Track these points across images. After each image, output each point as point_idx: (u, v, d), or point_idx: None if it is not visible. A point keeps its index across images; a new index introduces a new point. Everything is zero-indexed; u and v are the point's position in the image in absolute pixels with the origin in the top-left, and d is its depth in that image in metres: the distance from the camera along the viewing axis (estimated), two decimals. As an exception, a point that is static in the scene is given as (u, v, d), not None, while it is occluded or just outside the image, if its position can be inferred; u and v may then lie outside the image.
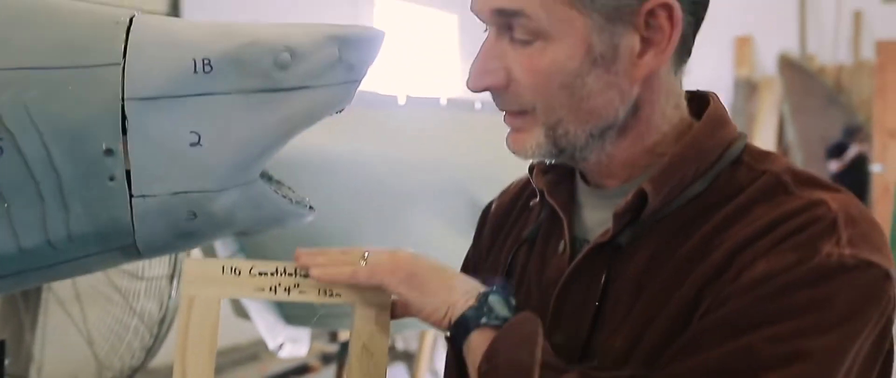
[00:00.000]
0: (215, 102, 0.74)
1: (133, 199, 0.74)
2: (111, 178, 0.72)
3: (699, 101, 0.78)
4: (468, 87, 0.74)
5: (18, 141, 0.70)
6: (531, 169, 0.84)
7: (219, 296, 0.76)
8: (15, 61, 0.70)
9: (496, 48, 0.72)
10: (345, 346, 3.78)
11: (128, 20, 0.74)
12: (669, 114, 0.75)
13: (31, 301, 1.56)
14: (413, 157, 2.42)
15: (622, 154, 0.75)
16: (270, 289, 0.76)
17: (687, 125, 0.76)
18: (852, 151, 6.36)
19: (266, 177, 0.83)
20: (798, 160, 6.55)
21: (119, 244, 0.76)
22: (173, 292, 1.72)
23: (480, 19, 0.74)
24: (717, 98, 0.77)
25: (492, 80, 0.72)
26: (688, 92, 0.78)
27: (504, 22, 0.71)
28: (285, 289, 0.76)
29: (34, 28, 0.72)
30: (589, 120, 0.72)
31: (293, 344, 2.48)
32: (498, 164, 2.59)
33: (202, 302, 0.75)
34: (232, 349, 4.43)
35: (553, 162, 0.80)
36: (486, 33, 0.74)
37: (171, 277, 1.73)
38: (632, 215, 0.72)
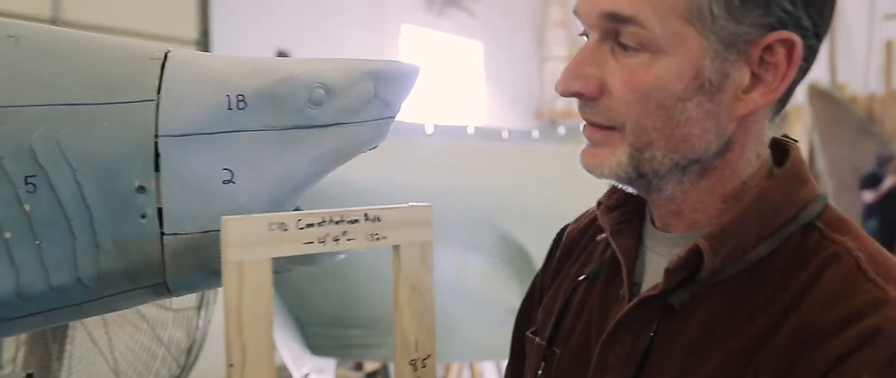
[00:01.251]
0: (249, 139, 0.73)
1: (164, 237, 0.72)
2: (143, 216, 0.71)
3: (778, 150, 0.72)
4: (557, 90, 0.68)
5: (51, 178, 0.69)
6: (599, 203, 0.79)
7: (269, 256, 0.69)
8: (49, 97, 0.69)
9: (596, 56, 0.66)
10: (369, 376, 3.75)
11: (163, 56, 0.73)
12: (754, 162, 0.69)
13: (58, 330, 1.56)
14: (441, 187, 2.40)
15: (697, 195, 0.69)
16: (319, 240, 0.71)
17: (766, 176, 0.70)
18: (888, 182, 6.25)
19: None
20: (828, 189, 6.45)
21: (149, 282, 0.75)
22: (201, 322, 1.71)
23: (583, 23, 0.68)
24: (798, 150, 0.71)
25: (582, 86, 0.67)
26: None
27: (611, 28, 0.65)
28: (334, 238, 0.72)
29: (68, 64, 0.71)
30: (679, 149, 0.66)
31: (318, 374, 2.46)
32: (525, 193, 2.56)
33: (252, 266, 0.68)
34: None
35: (623, 190, 0.74)
36: (585, 39, 0.69)
37: (199, 308, 1.72)
38: (687, 273, 0.67)
